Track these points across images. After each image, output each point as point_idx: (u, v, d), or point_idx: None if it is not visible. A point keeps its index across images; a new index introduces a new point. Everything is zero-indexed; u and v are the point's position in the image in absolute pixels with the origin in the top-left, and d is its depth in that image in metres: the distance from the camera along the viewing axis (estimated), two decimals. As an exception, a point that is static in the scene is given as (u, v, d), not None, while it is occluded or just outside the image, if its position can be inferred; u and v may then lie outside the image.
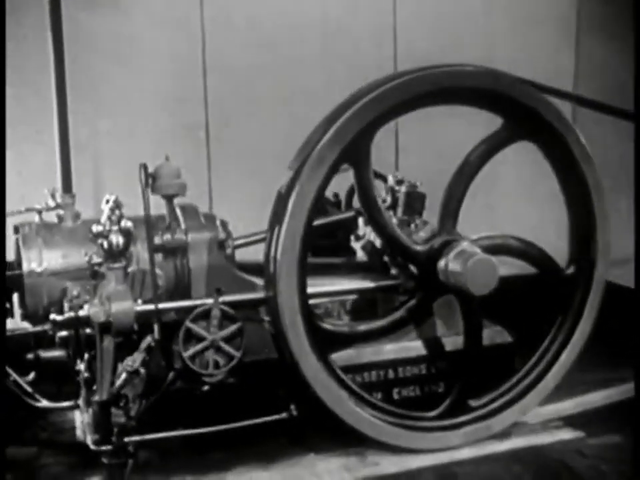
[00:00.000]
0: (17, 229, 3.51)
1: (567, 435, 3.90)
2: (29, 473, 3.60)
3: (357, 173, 3.43)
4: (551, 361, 3.85)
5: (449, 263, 3.48)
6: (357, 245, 4.20)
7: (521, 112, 3.57)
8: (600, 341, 4.07)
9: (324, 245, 4.57)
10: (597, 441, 3.83)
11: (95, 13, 5.01)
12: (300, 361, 3.39)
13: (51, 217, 3.62)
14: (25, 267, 3.41)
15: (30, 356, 3.57)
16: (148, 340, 3.57)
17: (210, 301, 3.44)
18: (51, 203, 3.54)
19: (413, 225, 3.92)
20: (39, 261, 3.43)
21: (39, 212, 3.55)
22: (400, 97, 3.39)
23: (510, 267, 3.91)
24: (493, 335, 4.01)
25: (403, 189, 4.02)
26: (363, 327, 3.61)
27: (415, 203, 3.96)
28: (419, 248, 3.57)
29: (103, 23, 5.10)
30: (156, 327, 3.48)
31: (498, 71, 3.57)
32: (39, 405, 3.52)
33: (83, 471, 3.55)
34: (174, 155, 5.42)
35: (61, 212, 3.57)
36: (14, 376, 3.51)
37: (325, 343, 3.47)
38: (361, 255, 4.20)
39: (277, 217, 3.37)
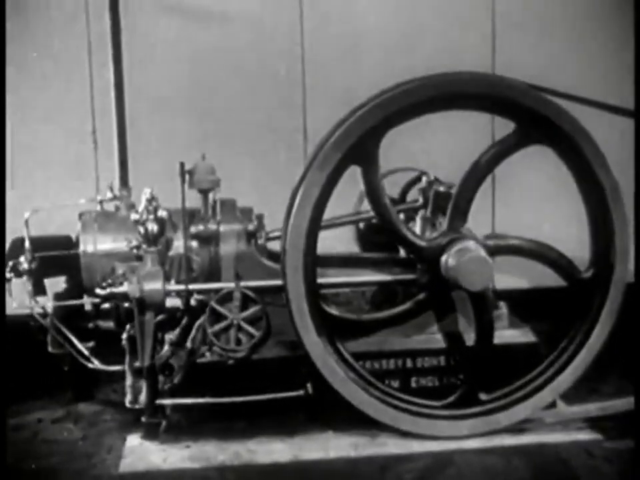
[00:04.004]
0: (80, 216, 4.12)
1: (584, 436, 3.94)
2: (88, 425, 4.22)
3: (364, 173, 3.70)
4: (565, 362, 3.91)
5: (449, 259, 3.68)
6: (398, 241, 4.44)
7: (532, 117, 3.68)
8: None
9: (378, 241, 4.86)
10: (612, 445, 3.84)
11: (193, 23, 5.63)
12: (305, 342, 3.73)
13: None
14: (81, 247, 4.01)
15: (90, 325, 4.17)
16: (201, 320, 4.07)
17: (232, 284, 3.88)
18: (109, 195, 4.12)
19: (437, 224, 4.13)
20: (94, 243, 4.02)
21: (100, 202, 4.14)
22: (406, 102, 3.63)
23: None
24: (517, 334, 4.15)
25: (435, 189, 4.24)
26: (368, 315, 3.88)
27: (443, 203, 4.15)
28: (424, 244, 3.78)
29: (200, 31, 5.68)
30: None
31: (507, 77, 3.71)
32: (91, 366, 4.10)
33: (129, 428, 4.11)
34: (271, 157, 6.01)
35: (118, 203, 4.14)
36: (75, 341, 4.11)
37: (332, 327, 3.78)
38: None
39: (288, 213, 3.73)
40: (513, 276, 5.84)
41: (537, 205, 5.83)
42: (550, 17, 6.17)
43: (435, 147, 5.73)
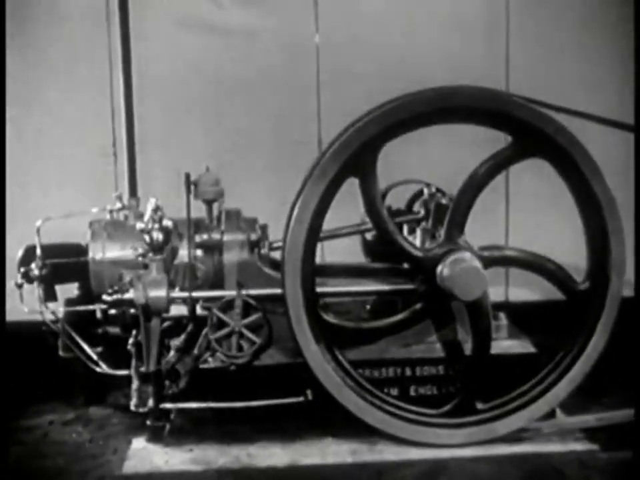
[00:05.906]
0: (90, 225, 4.26)
1: (580, 446, 3.97)
2: (97, 428, 4.35)
3: (362, 185, 3.79)
4: (562, 373, 3.95)
5: (444, 270, 3.74)
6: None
7: (528, 131, 3.74)
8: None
9: (384, 251, 4.92)
10: (606, 455, 3.88)
11: (208, 36, 5.78)
12: (303, 349, 3.82)
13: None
14: (90, 255, 4.15)
15: (99, 331, 4.31)
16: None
17: (234, 292, 3.98)
18: (118, 205, 4.26)
19: (438, 235, 4.20)
20: (102, 251, 4.15)
21: (110, 212, 4.29)
22: (403, 115, 3.71)
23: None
24: (515, 344, 4.20)
25: (436, 201, 4.32)
26: (366, 324, 3.96)
27: (443, 215, 4.21)
28: (420, 255, 3.86)
29: (214, 44, 5.82)
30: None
31: (503, 91, 3.78)
32: (98, 370, 4.23)
33: (136, 431, 4.22)
34: (285, 167, 6.10)
35: (127, 212, 4.28)
36: (84, 346, 4.25)
37: (330, 335, 3.87)
38: (406, 262, 4.52)
39: (287, 223, 3.83)
40: (528, 289, 5.89)
41: (551, 216, 5.86)
42: (564, 34, 6.22)
43: (441, 158, 5.78)
